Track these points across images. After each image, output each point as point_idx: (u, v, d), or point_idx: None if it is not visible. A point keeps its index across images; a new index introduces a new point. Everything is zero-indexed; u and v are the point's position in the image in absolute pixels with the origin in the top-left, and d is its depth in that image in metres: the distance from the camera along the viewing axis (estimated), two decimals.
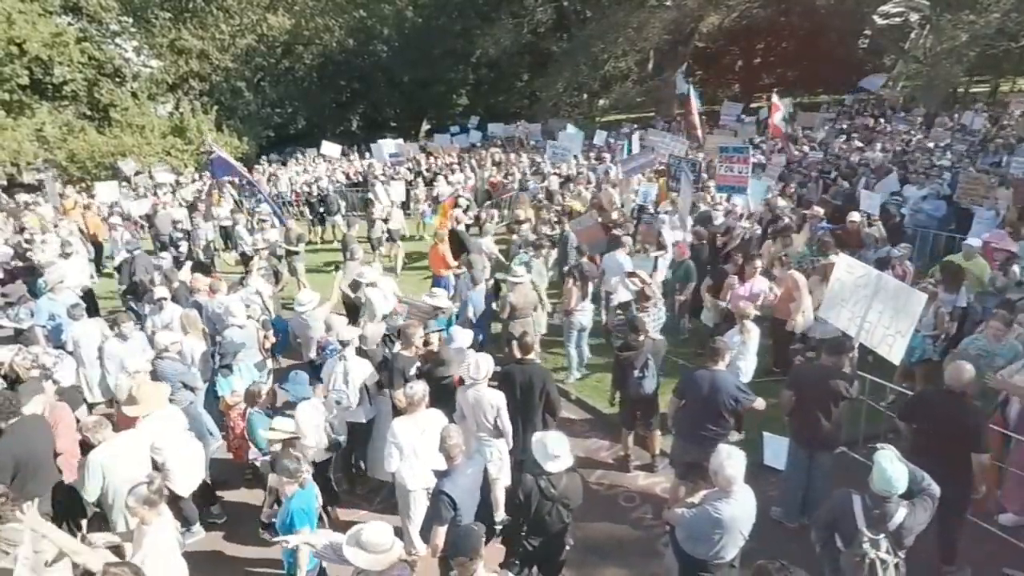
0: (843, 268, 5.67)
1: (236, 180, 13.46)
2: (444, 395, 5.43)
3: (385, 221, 12.92)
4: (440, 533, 3.96)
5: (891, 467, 3.50)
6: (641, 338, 5.82)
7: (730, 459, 3.57)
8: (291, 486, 3.88)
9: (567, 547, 4.12)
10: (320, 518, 4.22)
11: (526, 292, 7.55)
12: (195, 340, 6.66)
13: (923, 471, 3.64)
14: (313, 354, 6.95)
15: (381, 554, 3.24)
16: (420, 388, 4.75)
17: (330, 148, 22.05)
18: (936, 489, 3.58)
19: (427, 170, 18.67)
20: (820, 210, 10.10)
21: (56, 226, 14.16)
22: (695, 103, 17.34)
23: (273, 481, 3.96)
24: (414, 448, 4.62)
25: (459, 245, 9.61)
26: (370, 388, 5.61)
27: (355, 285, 7.91)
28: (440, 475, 4.11)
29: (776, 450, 5.99)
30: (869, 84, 25.11)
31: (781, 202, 10.35)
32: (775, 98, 18.65)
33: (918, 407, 4.74)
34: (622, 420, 6.31)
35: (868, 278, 5.36)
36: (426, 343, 6.02)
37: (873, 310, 5.28)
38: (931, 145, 16.21)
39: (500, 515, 4.91)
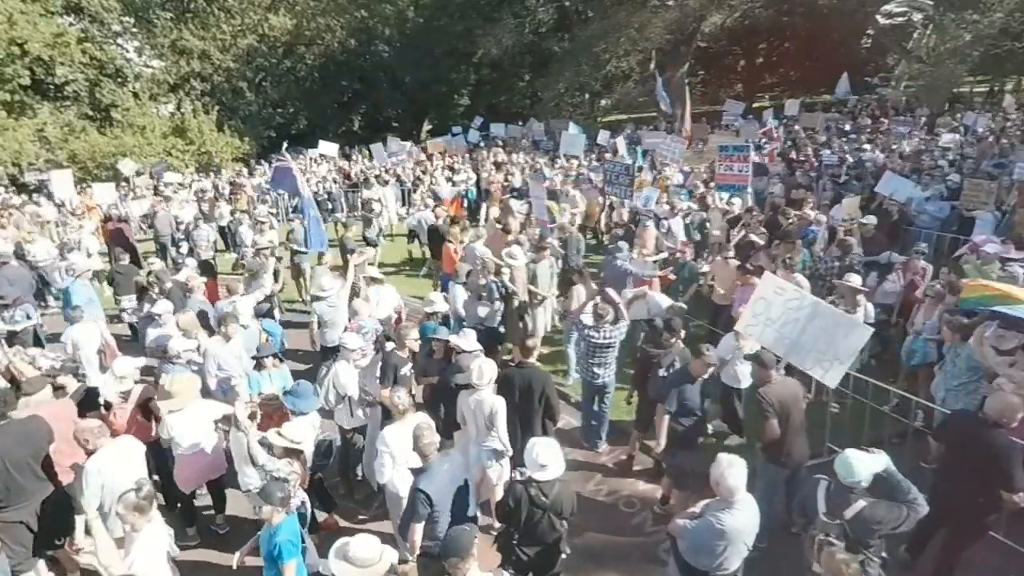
0: (770, 288, 5.53)
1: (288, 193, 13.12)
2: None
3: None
4: (417, 530, 3.95)
5: (853, 456, 3.57)
6: (673, 339, 5.79)
7: (731, 468, 3.50)
8: (279, 515, 3.69)
9: (563, 556, 4.06)
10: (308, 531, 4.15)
11: (524, 275, 7.92)
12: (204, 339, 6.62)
13: (914, 486, 3.56)
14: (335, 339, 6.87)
15: (368, 568, 3.18)
16: (404, 395, 4.71)
17: (328, 147, 22.01)
18: (921, 509, 3.51)
19: (424, 172, 18.64)
20: (812, 213, 10.04)
21: (59, 226, 14.20)
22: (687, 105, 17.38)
23: (266, 513, 3.71)
24: (405, 455, 4.57)
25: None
26: (353, 398, 5.55)
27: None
28: (416, 472, 4.09)
29: None
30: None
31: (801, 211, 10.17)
32: (778, 132, 18.69)
33: (950, 427, 4.64)
34: (636, 421, 6.24)
35: (802, 302, 5.29)
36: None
37: (807, 334, 5.19)
38: (930, 146, 16.13)
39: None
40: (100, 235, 13.86)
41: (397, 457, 4.53)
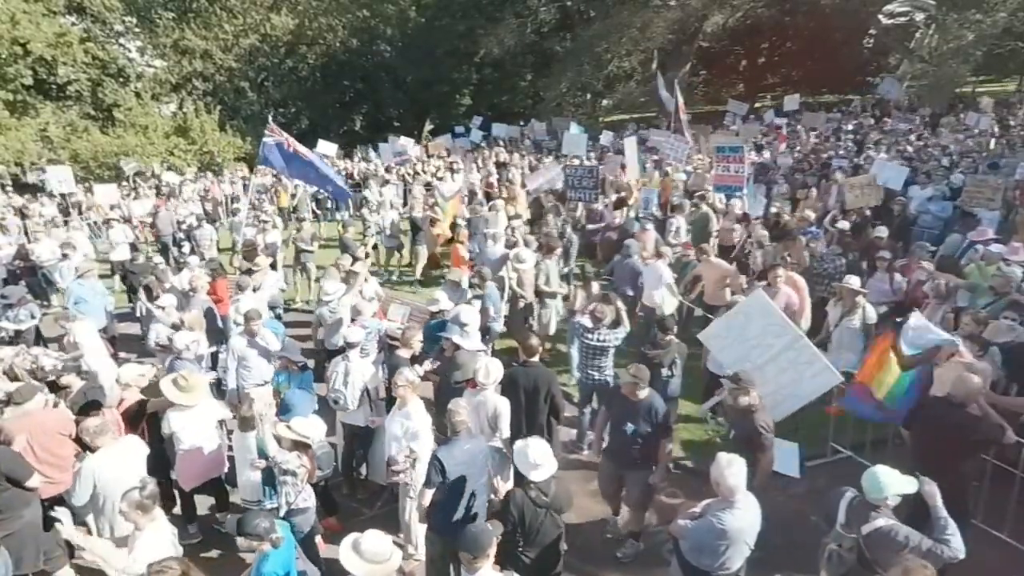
0: (756, 308, 5.25)
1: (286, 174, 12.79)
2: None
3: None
4: (426, 495, 4.18)
5: (882, 472, 3.45)
6: (669, 337, 5.77)
7: (731, 468, 3.48)
8: (264, 545, 3.43)
9: (562, 553, 4.07)
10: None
11: (531, 277, 7.99)
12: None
13: (952, 524, 3.34)
14: (339, 341, 6.85)
15: (379, 564, 3.19)
16: (410, 373, 4.86)
17: (326, 147, 21.99)
18: (950, 552, 3.24)
19: (423, 171, 18.62)
20: (811, 214, 10.03)
21: (61, 225, 14.20)
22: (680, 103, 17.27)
23: (242, 545, 3.45)
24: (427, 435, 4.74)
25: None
26: (371, 392, 5.55)
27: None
28: (440, 443, 4.30)
29: (783, 455, 5.91)
30: (885, 90, 24.55)
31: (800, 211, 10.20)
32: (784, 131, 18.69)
33: (921, 415, 4.64)
34: None
35: (784, 331, 5.03)
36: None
37: (775, 363, 4.98)
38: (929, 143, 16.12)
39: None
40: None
41: (422, 434, 4.66)
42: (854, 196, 10.29)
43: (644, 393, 4.70)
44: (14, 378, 5.94)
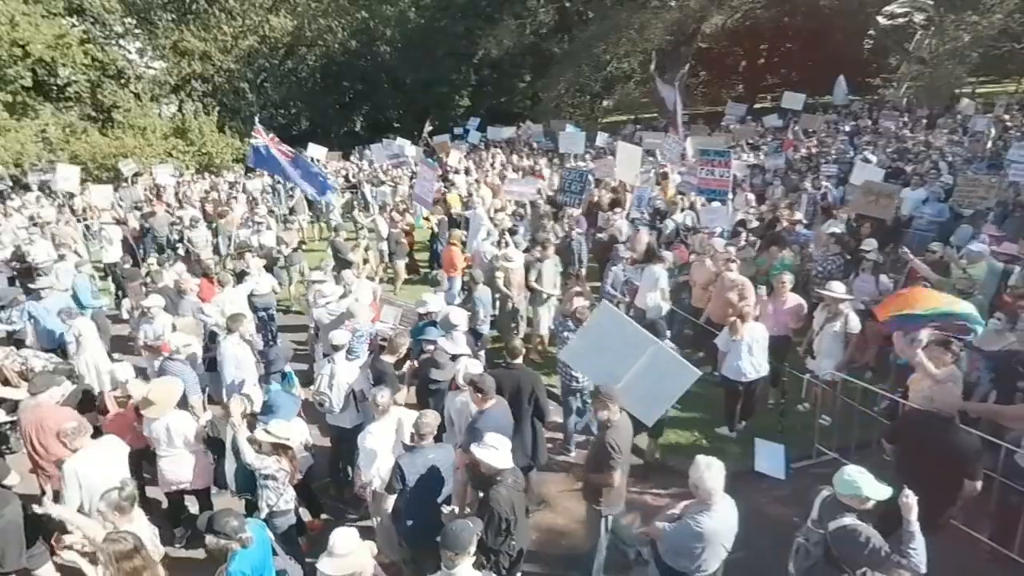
0: (606, 319, 5.15)
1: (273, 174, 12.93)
2: (435, 399, 5.44)
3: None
4: (388, 499, 4.32)
5: (855, 472, 3.44)
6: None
7: (709, 470, 3.49)
8: (233, 545, 3.40)
9: None
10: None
11: (519, 276, 8.05)
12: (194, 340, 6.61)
13: (919, 541, 3.27)
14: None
15: (341, 557, 3.24)
16: (386, 393, 4.77)
17: (317, 150, 22.00)
18: (909, 564, 3.21)
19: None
20: (799, 215, 9.99)
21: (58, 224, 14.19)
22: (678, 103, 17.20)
23: (211, 543, 3.40)
24: (387, 452, 4.65)
25: None
26: (357, 394, 5.56)
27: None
28: (405, 448, 4.30)
29: (768, 456, 5.91)
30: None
31: (790, 214, 10.18)
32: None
33: (909, 428, 4.61)
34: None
35: (638, 339, 4.91)
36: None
37: (633, 371, 4.84)
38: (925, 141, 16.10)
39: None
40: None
41: (380, 454, 4.57)
42: (867, 202, 9.77)
43: (489, 404, 4.64)
44: (3, 380, 5.99)
